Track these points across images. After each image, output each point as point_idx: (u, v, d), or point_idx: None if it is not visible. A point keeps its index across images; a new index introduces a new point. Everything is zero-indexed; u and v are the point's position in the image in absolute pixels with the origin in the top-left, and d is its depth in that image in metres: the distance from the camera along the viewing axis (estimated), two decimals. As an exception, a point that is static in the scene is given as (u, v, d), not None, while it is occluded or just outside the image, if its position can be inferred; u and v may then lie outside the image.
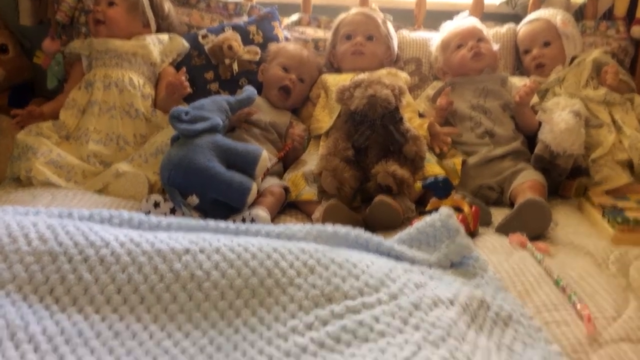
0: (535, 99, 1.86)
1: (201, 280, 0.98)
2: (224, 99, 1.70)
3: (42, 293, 0.92)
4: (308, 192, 1.61)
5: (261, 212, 1.48)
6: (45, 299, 0.92)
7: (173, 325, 0.93)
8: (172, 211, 1.49)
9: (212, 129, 1.56)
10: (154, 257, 1.00)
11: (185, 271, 0.98)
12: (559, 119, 1.68)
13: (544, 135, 1.69)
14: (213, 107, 1.63)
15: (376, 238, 1.21)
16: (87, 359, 0.83)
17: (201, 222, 1.20)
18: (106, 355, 0.85)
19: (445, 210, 1.22)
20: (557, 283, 1.17)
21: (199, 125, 1.54)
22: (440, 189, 1.51)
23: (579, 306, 1.08)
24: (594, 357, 0.96)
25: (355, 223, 1.35)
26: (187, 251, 1.02)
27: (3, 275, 0.92)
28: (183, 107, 1.60)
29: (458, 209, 1.43)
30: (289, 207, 1.66)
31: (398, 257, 1.18)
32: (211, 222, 1.20)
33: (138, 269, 0.98)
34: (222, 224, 1.20)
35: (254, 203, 1.53)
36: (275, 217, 1.57)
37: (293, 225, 1.23)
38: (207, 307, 0.96)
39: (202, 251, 1.02)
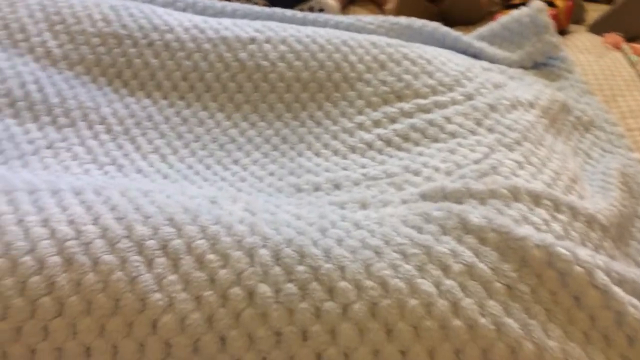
0: None
1: (267, 71, 0.95)
2: None
3: (111, 76, 0.92)
4: (383, -20, 1.49)
5: (330, 0, 1.39)
6: (114, 83, 0.92)
7: (239, 115, 0.92)
8: (237, -3, 1.41)
9: None
10: (219, 44, 0.96)
11: (250, 61, 0.95)
12: None
13: None
14: None
15: (454, 33, 1.12)
16: (157, 142, 0.86)
17: (267, 9, 1.14)
18: (175, 140, 0.87)
19: (536, 3, 1.10)
20: (650, 89, 1.08)
21: None
22: (532, -21, 1.35)
23: (671, 115, 1.00)
24: (679, 168, 0.91)
25: (431, 16, 1.26)
26: (252, 40, 0.97)
27: (71, 55, 0.92)
28: None
29: (550, 3, 1.30)
30: (360, -4, 1.55)
31: (476, 55, 1.10)
32: (277, 10, 1.14)
33: (203, 56, 0.95)
34: (288, 12, 1.14)
35: (323, -10, 1.43)
36: (345, 7, 1.49)
37: (364, 17, 1.15)
38: (273, 98, 0.94)
39: (267, 41, 0.98)
